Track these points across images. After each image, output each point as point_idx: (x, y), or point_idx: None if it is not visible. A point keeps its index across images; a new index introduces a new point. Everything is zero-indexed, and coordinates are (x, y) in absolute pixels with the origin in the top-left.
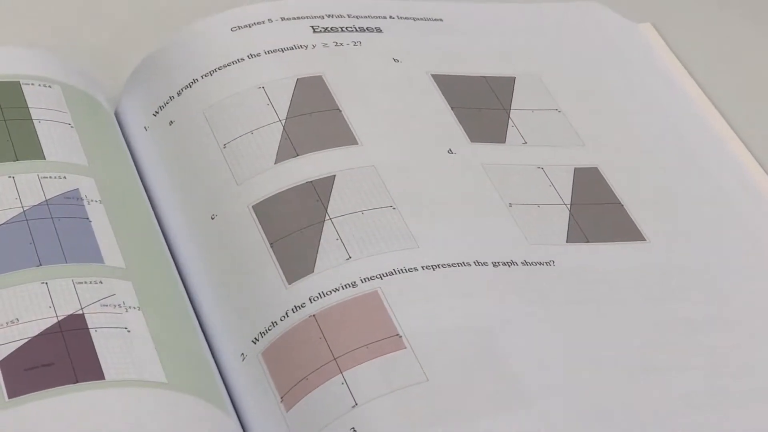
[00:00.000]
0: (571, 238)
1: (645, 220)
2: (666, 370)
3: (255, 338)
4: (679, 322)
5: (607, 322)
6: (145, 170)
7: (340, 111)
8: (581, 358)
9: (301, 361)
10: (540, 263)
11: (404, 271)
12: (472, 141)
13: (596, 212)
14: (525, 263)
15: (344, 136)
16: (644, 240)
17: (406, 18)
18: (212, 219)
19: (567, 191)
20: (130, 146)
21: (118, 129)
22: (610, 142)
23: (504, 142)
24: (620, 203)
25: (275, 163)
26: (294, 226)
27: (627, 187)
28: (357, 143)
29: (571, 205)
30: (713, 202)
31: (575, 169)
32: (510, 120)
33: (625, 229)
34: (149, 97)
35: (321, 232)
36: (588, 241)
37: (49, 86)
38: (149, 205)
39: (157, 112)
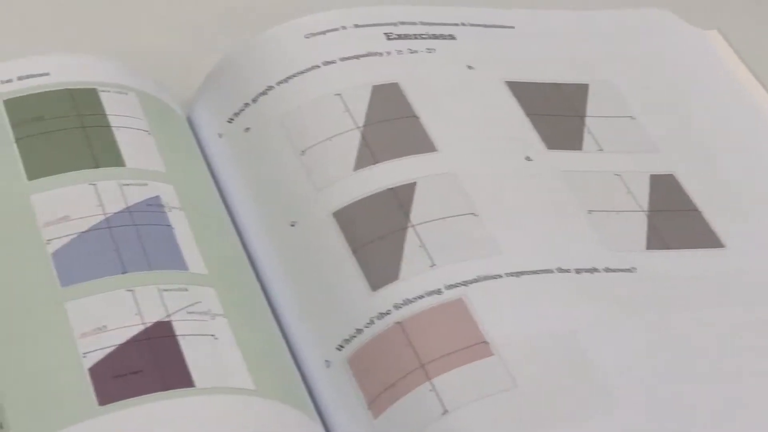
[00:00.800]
0: (650, 245)
1: (722, 227)
2: (746, 376)
3: (340, 345)
4: (758, 326)
5: (688, 328)
6: (220, 177)
7: (418, 118)
8: (664, 365)
9: (388, 367)
10: (622, 270)
11: (488, 278)
12: (549, 148)
13: (674, 219)
14: (607, 270)
15: (423, 144)
16: (722, 246)
17: (478, 25)
18: (292, 226)
19: (644, 198)
20: (204, 153)
21: (192, 135)
22: (683, 148)
23: (581, 149)
24: (697, 210)
25: (354, 170)
26: (376, 233)
27: (703, 193)
28: (436, 150)
29: (649, 211)
30: None
31: (651, 175)
32: (585, 127)
33: (702, 236)
34: (223, 103)
35: (404, 239)
36: (667, 248)
37: (125, 93)
38: (226, 211)
39: (232, 119)
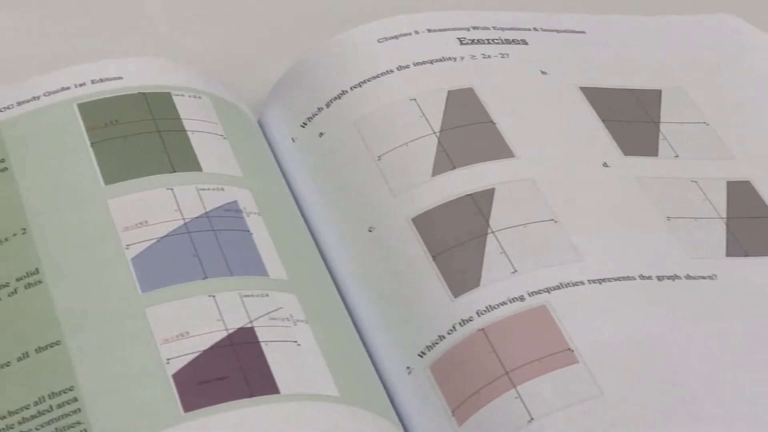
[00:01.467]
0: (730, 252)
1: None
2: None
3: (422, 352)
4: None
5: None
6: (293, 181)
7: (494, 124)
8: (747, 372)
9: (472, 374)
10: (703, 277)
11: (571, 284)
12: (625, 154)
13: (752, 225)
14: (688, 277)
15: (500, 149)
16: None
17: (549, 30)
18: (370, 231)
19: (722, 205)
20: (276, 157)
21: (264, 140)
22: (758, 154)
23: (657, 155)
24: None
25: (432, 175)
26: (456, 240)
27: None
28: (513, 156)
29: (727, 218)
30: None
31: (728, 182)
32: (660, 133)
33: None
34: (296, 108)
35: (484, 245)
36: (747, 255)
37: (198, 97)
38: (301, 216)
39: (305, 124)
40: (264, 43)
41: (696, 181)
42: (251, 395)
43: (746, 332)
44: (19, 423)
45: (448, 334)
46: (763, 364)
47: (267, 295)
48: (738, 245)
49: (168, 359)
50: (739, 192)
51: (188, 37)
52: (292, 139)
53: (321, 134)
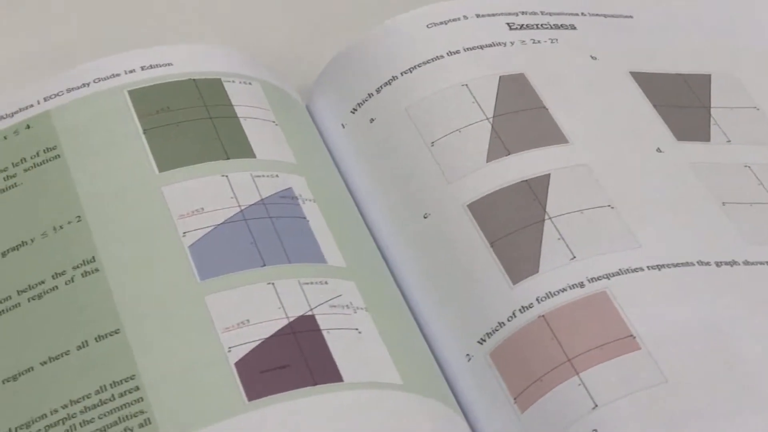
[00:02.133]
0: None
1: None
2: None
3: (481, 339)
4: None
5: None
6: (344, 167)
7: (547, 109)
8: None
9: (534, 361)
10: (761, 263)
11: (630, 271)
12: (678, 140)
13: None
14: (746, 263)
15: (554, 135)
16: None
17: (597, 15)
18: (425, 218)
19: None
20: (325, 143)
21: (314, 126)
22: None
23: (709, 140)
24: None
25: (487, 161)
26: (513, 226)
27: None
28: (567, 142)
29: None
30: None
31: None
32: (712, 118)
33: None
34: (345, 94)
35: (542, 231)
36: None
37: (249, 83)
38: (354, 203)
39: (355, 110)
40: (311, 28)
41: (749, 166)
42: (315, 384)
43: None
44: (81, 412)
45: (508, 320)
46: None
47: (326, 283)
48: None
49: (230, 348)
50: None
51: (236, 22)
52: (342, 125)
53: (372, 120)
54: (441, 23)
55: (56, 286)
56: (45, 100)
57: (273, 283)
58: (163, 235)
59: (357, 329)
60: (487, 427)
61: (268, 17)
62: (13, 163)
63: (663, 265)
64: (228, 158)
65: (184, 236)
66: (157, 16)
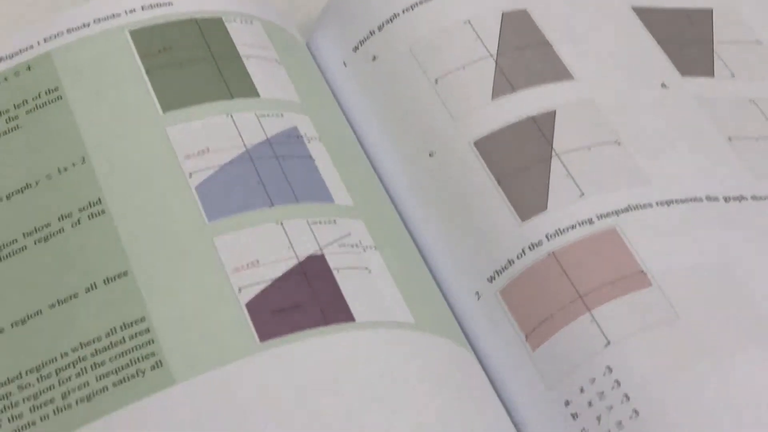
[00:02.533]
0: None
1: None
2: None
3: (491, 276)
4: None
5: None
6: (346, 106)
7: (551, 45)
8: None
9: (544, 299)
10: None
11: (639, 207)
12: (683, 75)
13: None
14: (754, 198)
15: (558, 71)
16: None
17: None
18: (430, 156)
19: None
20: (327, 82)
21: (316, 65)
22: None
23: (713, 75)
24: None
25: (493, 98)
26: (520, 163)
27: None
28: (572, 78)
29: None
30: None
31: None
32: (715, 53)
33: None
34: (347, 32)
35: (549, 168)
36: None
37: (250, 22)
38: (358, 142)
39: (357, 48)
40: None
41: (754, 101)
42: (327, 323)
43: None
44: (92, 354)
45: (518, 258)
46: None
47: (334, 222)
48: None
49: (240, 288)
50: None
51: None
52: (344, 63)
53: (374, 58)
54: None
55: (62, 229)
56: (45, 41)
57: (282, 223)
58: (169, 175)
59: (367, 268)
60: (498, 366)
61: None
62: (14, 105)
63: (671, 201)
64: (232, 98)
65: (190, 177)
66: None
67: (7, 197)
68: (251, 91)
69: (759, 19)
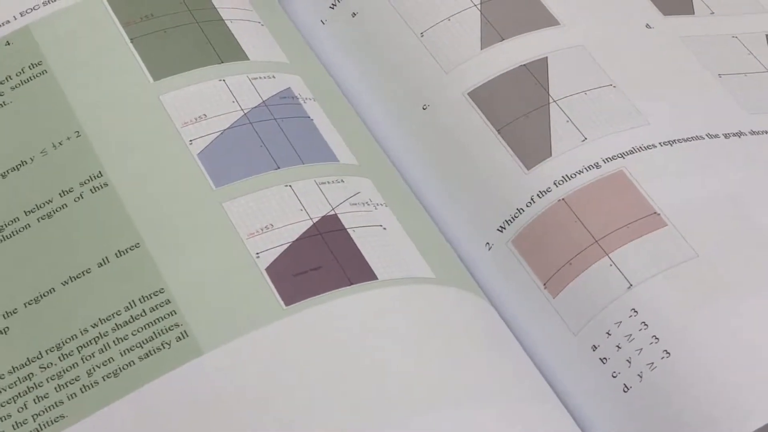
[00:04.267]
0: None
1: None
2: None
3: (500, 227)
4: None
5: None
6: (329, 65)
7: None
8: None
9: (560, 246)
10: (766, 132)
11: (644, 148)
12: (665, 15)
13: None
14: (752, 132)
15: (544, 18)
16: None
17: None
18: (424, 109)
19: (766, 58)
20: (306, 41)
21: (293, 24)
22: None
23: (693, 13)
24: None
25: (482, 48)
26: (519, 111)
27: None
28: (559, 24)
29: None
30: None
31: (767, 35)
32: None
33: None
34: None
35: (548, 115)
36: None
37: None
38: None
39: (334, 5)
40: None
41: (736, 36)
42: (350, 283)
43: None
44: (113, 329)
45: (527, 206)
46: None
47: (342, 181)
48: None
49: (257, 253)
50: None
51: None
52: (322, 21)
53: (354, 14)
54: None
55: (65, 204)
56: (21, 15)
57: (290, 185)
58: (168, 144)
59: (381, 225)
60: (519, 315)
61: None
62: None
63: (674, 141)
64: (222, 62)
65: (190, 144)
66: None
67: (3, 175)
68: (240, 53)
69: None
